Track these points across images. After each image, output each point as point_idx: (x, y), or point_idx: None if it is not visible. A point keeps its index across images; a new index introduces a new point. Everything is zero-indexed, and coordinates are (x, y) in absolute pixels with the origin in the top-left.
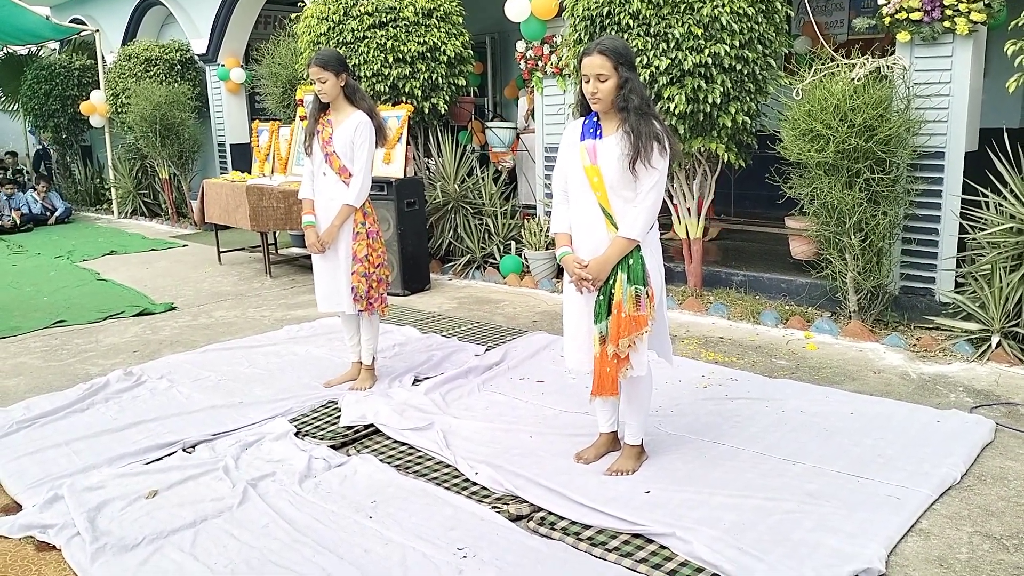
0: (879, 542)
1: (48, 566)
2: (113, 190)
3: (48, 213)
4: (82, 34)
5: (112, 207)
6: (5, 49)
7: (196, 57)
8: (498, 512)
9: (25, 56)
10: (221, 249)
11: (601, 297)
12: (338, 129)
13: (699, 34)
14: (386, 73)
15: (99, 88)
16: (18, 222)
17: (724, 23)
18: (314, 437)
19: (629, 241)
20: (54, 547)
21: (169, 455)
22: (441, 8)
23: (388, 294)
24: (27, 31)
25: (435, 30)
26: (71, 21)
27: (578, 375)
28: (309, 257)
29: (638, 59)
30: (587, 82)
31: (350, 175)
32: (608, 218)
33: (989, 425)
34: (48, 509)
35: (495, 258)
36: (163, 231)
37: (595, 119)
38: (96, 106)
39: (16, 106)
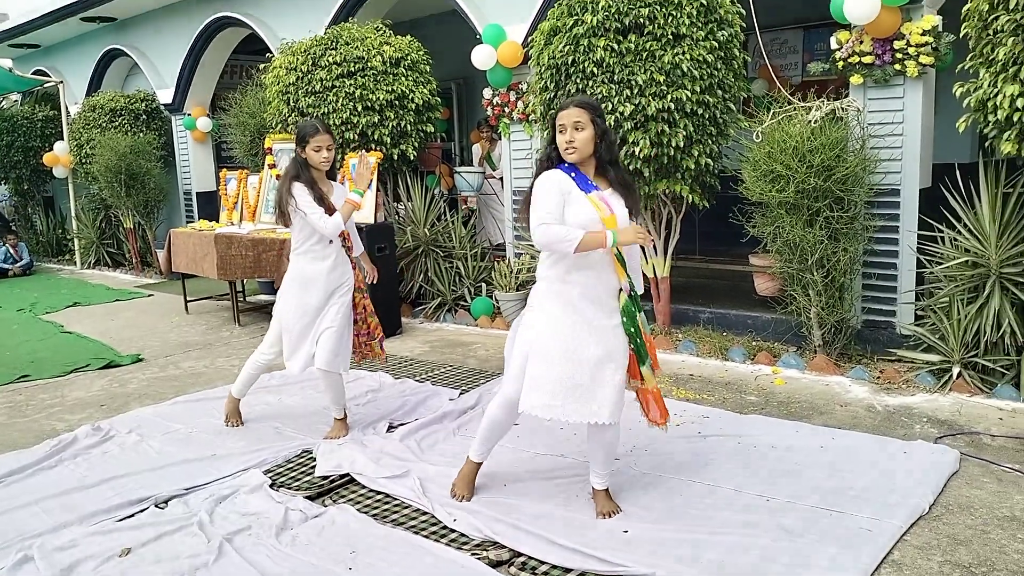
0: (853, 574)
1: None
2: (76, 240)
3: (11, 264)
4: (45, 86)
5: (75, 257)
6: None
7: (162, 107)
8: (478, 559)
9: None
10: (188, 298)
11: (635, 344)
12: (332, 199)
13: (661, 80)
14: (355, 121)
15: (63, 139)
16: None
17: (685, 70)
18: (289, 488)
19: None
20: None
21: (142, 511)
22: (408, 57)
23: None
24: None
25: (403, 79)
26: (34, 72)
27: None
28: None
29: (603, 105)
30: (562, 132)
31: (351, 238)
32: (621, 263)
33: (954, 455)
34: (18, 571)
35: (466, 300)
36: (127, 281)
37: (577, 170)
38: (59, 157)
39: None
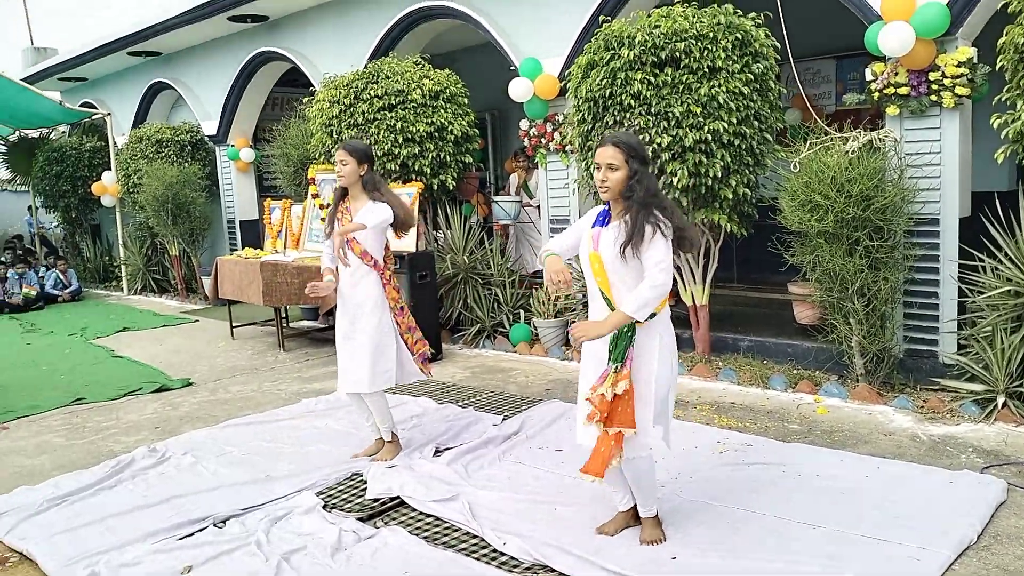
0: None
1: None
2: (123, 267)
3: (60, 290)
4: (93, 118)
5: (122, 284)
6: (18, 132)
7: (206, 138)
8: None
9: (37, 139)
10: (234, 324)
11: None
12: (357, 216)
13: (698, 112)
14: (396, 152)
15: (110, 169)
16: (32, 296)
17: (721, 102)
18: (341, 510)
19: (624, 316)
20: None
21: (201, 530)
22: (447, 90)
23: None
24: (41, 116)
25: (442, 111)
26: (81, 104)
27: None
28: (321, 331)
29: (640, 136)
30: (598, 170)
31: (372, 258)
32: (607, 302)
33: (1001, 485)
34: None
35: (504, 327)
36: (173, 307)
37: (607, 209)
38: (107, 187)
39: (27, 186)
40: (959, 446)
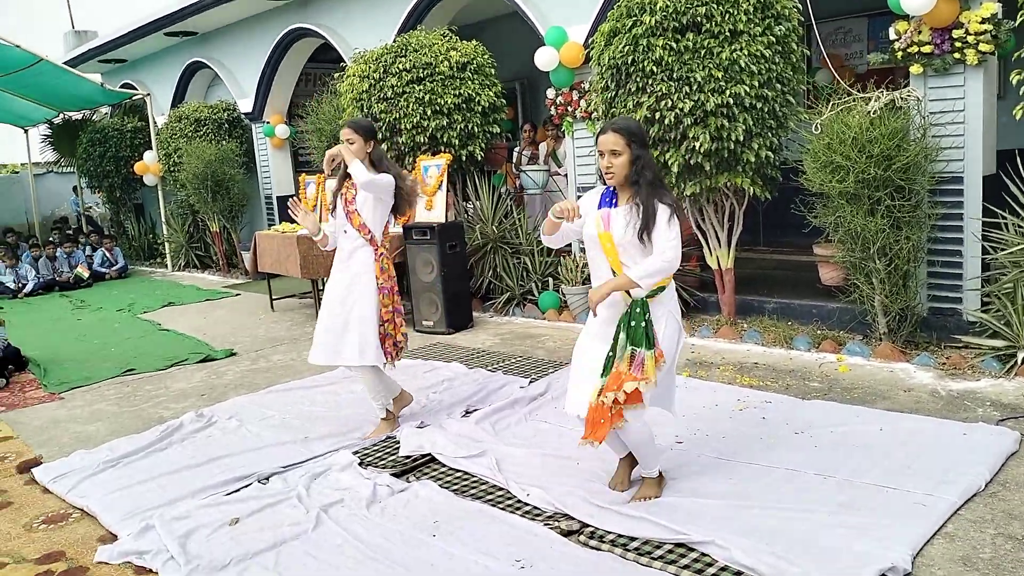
0: (905, 545)
1: None
2: (167, 244)
3: (107, 268)
4: (133, 98)
5: (166, 261)
6: (62, 115)
7: (243, 116)
8: (550, 528)
9: (80, 121)
10: (273, 297)
11: (611, 353)
12: (361, 191)
13: (720, 77)
14: (425, 125)
15: (151, 149)
16: (84, 276)
17: (743, 65)
18: (376, 466)
19: (628, 280)
20: (150, 571)
21: (246, 486)
22: (474, 62)
23: (433, 332)
24: (83, 98)
25: (469, 82)
26: (121, 86)
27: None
28: None
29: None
30: (602, 157)
31: (369, 232)
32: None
33: (1014, 436)
34: (142, 537)
35: (534, 295)
36: (215, 282)
37: (612, 190)
38: (149, 166)
39: (72, 168)
40: (977, 400)
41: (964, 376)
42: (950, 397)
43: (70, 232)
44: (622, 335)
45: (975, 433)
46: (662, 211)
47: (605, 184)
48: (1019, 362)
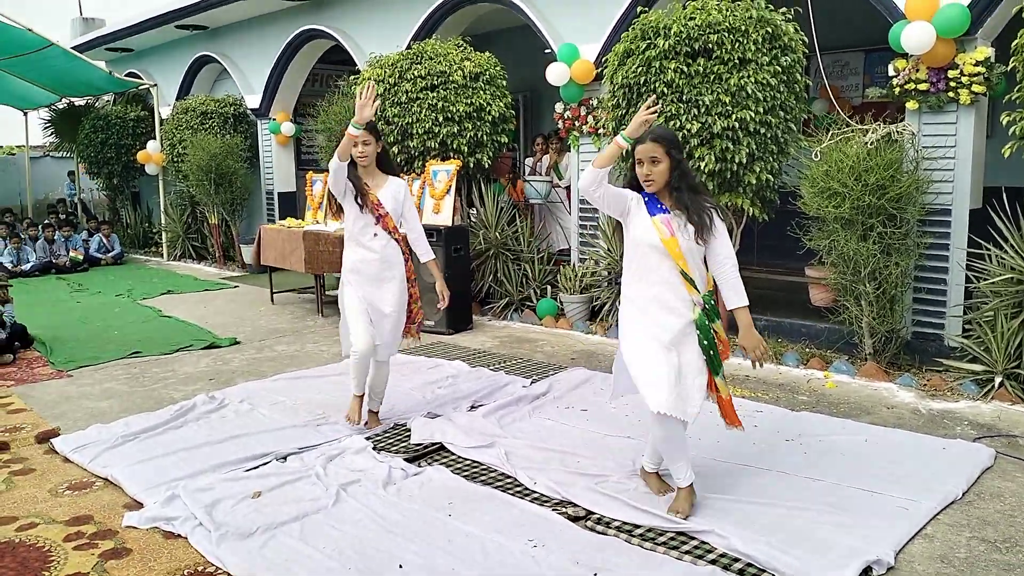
0: (889, 542)
1: (178, 549)
2: (164, 233)
3: (103, 253)
4: (139, 88)
5: (161, 250)
6: (65, 101)
7: (249, 111)
8: (558, 513)
9: (83, 107)
10: (273, 290)
11: (708, 355)
12: (380, 192)
13: (727, 101)
14: (436, 131)
15: (154, 138)
16: (79, 260)
17: (749, 92)
18: (388, 451)
19: (745, 307)
20: (179, 535)
21: (264, 464)
22: (487, 72)
23: (434, 331)
24: (89, 84)
25: (481, 92)
26: (126, 75)
27: (621, 405)
28: None
29: (671, 123)
30: (640, 165)
31: (398, 231)
32: (689, 282)
33: (990, 452)
34: (168, 505)
35: (532, 301)
36: (212, 273)
37: (655, 196)
38: (152, 155)
39: (70, 153)
40: (956, 419)
41: (944, 397)
42: (930, 415)
43: (63, 217)
44: (700, 335)
45: (954, 448)
46: (716, 217)
47: (641, 191)
48: (996, 386)
